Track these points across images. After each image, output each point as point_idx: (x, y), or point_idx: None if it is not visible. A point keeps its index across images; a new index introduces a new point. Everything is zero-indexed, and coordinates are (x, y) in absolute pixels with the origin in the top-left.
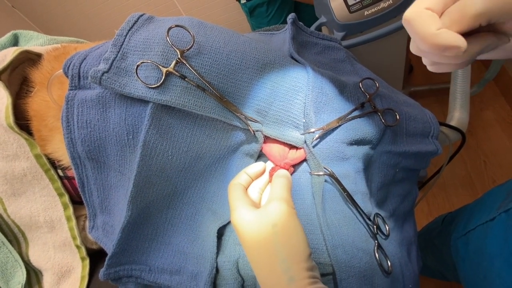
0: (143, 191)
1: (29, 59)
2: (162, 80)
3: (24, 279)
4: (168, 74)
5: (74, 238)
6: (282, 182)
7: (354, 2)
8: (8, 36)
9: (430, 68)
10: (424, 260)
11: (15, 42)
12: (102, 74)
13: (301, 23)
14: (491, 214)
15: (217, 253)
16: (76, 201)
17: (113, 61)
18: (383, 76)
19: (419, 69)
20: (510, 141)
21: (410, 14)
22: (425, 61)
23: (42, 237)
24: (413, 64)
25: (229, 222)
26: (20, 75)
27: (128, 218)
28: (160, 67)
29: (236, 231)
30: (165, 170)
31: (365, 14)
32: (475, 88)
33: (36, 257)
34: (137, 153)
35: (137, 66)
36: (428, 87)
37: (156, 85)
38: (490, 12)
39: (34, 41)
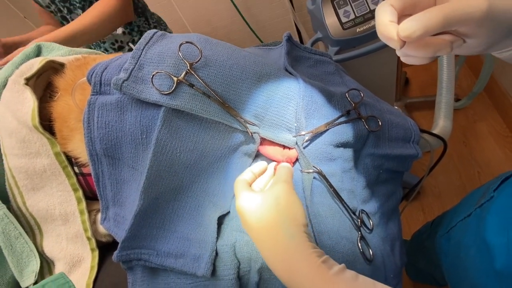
0: (153, 184)
1: (52, 68)
2: (173, 87)
3: (38, 268)
4: (179, 82)
5: (85, 230)
6: (285, 169)
7: (347, 20)
8: (32, 46)
9: (402, 59)
10: (416, 264)
11: (38, 52)
12: (123, 82)
13: (296, 40)
14: (469, 211)
15: (217, 238)
16: (88, 197)
17: (131, 71)
18: (376, 88)
19: (414, 82)
20: (503, 152)
21: (378, 6)
22: (398, 52)
23: (56, 229)
24: (408, 77)
25: (228, 213)
26: (45, 81)
27: (140, 207)
28: (172, 76)
29: (240, 213)
30: (173, 165)
31: (357, 31)
32: (464, 100)
33: (49, 248)
34: (149, 150)
35: (153, 75)
36: (423, 99)
37: (168, 92)
38: (448, 22)
39: (56, 52)
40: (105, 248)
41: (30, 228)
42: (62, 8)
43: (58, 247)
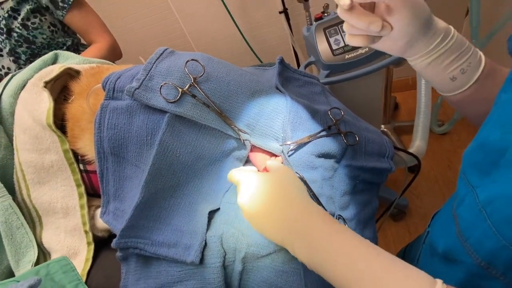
0: (154, 180)
1: (67, 74)
2: (178, 97)
3: (35, 258)
4: (183, 93)
5: (84, 224)
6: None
7: (337, 47)
8: (50, 54)
9: (347, 40)
10: None
11: (55, 59)
12: (135, 90)
13: (287, 62)
14: (419, 249)
15: (207, 230)
16: (89, 193)
17: (143, 81)
18: (363, 109)
19: (404, 107)
20: None
21: None
22: (345, 27)
23: (56, 222)
24: (398, 102)
25: (218, 209)
26: (60, 85)
27: (141, 199)
28: (178, 88)
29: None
30: (173, 165)
31: (346, 57)
32: (446, 126)
33: (48, 239)
34: (153, 149)
35: (161, 86)
36: (411, 123)
37: (173, 101)
38: None
39: (71, 60)
40: (100, 243)
41: (31, 220)
42: (24, 66)
43: (56, 239)
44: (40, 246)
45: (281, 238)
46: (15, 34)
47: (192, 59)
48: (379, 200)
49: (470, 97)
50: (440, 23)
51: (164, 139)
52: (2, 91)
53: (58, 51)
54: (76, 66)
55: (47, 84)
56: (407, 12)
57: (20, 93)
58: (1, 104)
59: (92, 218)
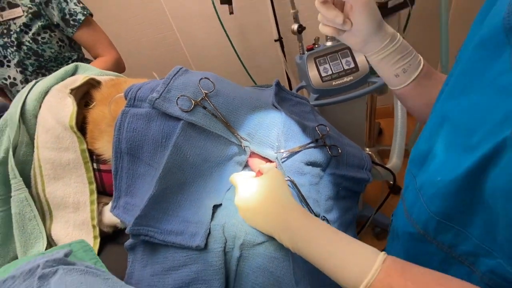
0: (166, 176)
1: (88, 83)
2: (191, 108)
3: (44, 249)
4: (196, 105)
5: (92, 219)
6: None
7: (326, 74)
8: (71, 65)
9: (320, 28)
10: None
11: (75, 70)
12: (155, 100)
13: (282, 85)
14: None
15: (211, 221)
16: (98, 191)
17: (162, 92)
18: (348, 130)
19: (387, 133)
20: None
21: None
22: (319, 17)
23: (66, 215)
24: (382, 127)
25: (220, 205)
26: (81, 92)
27: (154, 192)
28: (191, 100)
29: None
30: (183, 164)
31: (333, 84)
32: None
33: (56, 232)
34: (167, 150)
35: (177, 97)
36: None
37: (187, 110)
38: None
39: (90, 72)
40: (105, 238)
41: (43, 213)
42: (31, 79)
43: (65, 232)
44: (48, 238)
45: (269, 230)
46: (24, 47)
47: (205, 78)
48: (361, 218)
49: (410, 92)
50: (389, 29)
51: (178, 142)
52: (27, 95)
53: (78, 63)
54: (98, 77)
55: (71, 91)
56: (364, 14)
57: (44, 97)
58: (25, 106)
59: (99, 213)
